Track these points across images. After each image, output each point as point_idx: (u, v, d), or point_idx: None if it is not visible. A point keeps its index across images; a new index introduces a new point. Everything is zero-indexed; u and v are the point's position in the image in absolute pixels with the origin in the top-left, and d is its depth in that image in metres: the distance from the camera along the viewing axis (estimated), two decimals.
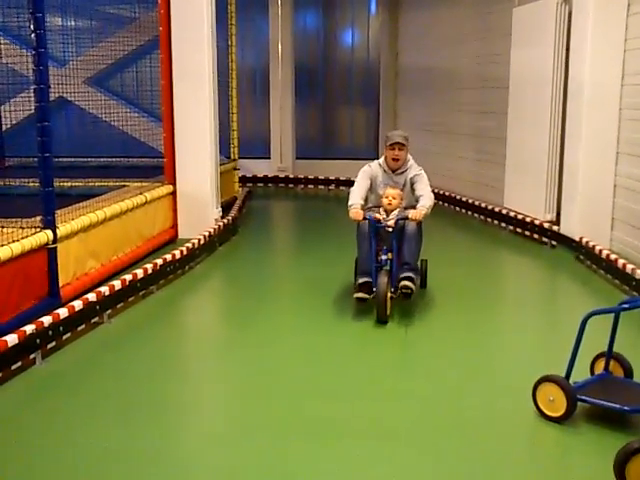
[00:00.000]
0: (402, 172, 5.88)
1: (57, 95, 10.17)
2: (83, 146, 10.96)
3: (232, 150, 10.96)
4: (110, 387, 4.41)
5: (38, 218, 5.55)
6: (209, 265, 7.52)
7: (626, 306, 3.75)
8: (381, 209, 5.81)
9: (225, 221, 8.56)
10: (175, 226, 8.41)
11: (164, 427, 3.88)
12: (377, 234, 5.63)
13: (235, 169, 11.05)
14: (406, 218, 5.55)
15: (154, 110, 10.41)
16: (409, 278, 5.59)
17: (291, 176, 13.61)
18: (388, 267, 5.62)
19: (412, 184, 5.81)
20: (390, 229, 5.61)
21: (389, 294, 5.45)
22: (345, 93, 14.22)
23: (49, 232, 5.47)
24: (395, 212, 5.73)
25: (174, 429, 3.90)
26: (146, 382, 4.52)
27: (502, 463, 3.48)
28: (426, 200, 5.64)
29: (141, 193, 7.52)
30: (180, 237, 8.30)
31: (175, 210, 8.39)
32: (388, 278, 5.44)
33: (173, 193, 8.32)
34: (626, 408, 3.69)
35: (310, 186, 13.41)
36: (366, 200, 5.92)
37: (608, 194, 7.36)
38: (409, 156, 5.94)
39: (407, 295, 5.63)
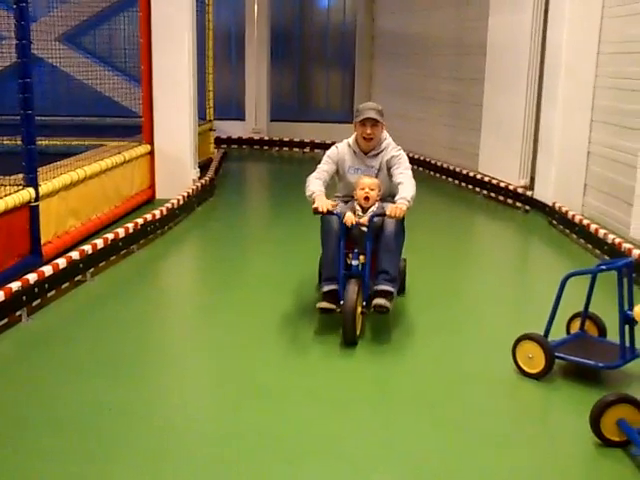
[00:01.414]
0: (376, 154, 4.78)
1: None
2: (54, 105, 10.82)
3: (208, 111, 10.91)
4: (95, 343, 4.47)
5: (20, 176, 5.53)
6: (188, 225, 7.55)
7: (604, 267, 3.89)
8: (356, 203, 4.73)
9: (203, 182, 8.57)
10: (153, 186, 8.40)
11: (149, 381, 3.99)
12: (347, 232, 4.57)
13: (211, 130, 11.02)
14: (383, 215, 4.50)
15: (128, 69, 10.30)
16: (385, 294, 4.50)
17: (266, 138, 13.58)
18: (359, 274, 4.49)
19: (389, 168, 4.74)
20: (364, 228, 4.56)
21: (359, 309, 4.41)
22: (321, 55, 14.18)
23: (31, 190, 5.46)
24: (373, 207, 4.67)
25: (158, 383, 4.00)
26: (129, 339, 4.59)
27: (483, 417, 3.62)
28: (407, 190, 4.52)
29: (120, 152, 7.50)
30: (158, 197, 8.30)
31: (153, 170, 8.37)
32: (359, 289, 4.36)
33: (151, 153, 8.30)
34: (600, 364, 3.85)
35: (285, 148, 13.41)
36: (329, 188, 4.89)
37: (582, 161, 7.50)
38: (385, 133, 4.84)
39: (382, 313, 4.52)
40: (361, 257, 4.50)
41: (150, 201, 8.23)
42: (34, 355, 4.31)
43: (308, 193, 4.61)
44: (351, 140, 4.87)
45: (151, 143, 8.28)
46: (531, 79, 8.32)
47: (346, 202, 4.87)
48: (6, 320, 4.55)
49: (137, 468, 3.10)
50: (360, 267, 4.49)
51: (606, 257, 6.15)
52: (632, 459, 3.18)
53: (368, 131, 4.68)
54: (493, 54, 9.15)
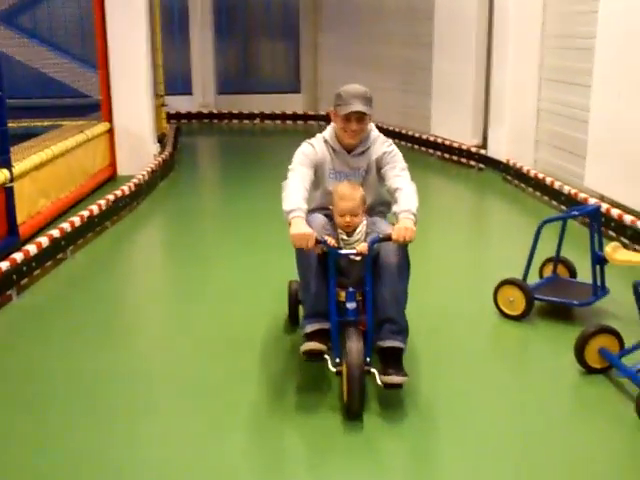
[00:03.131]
0: (363, 152, 3.65)
1: None
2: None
3: (158, 87, 10.88)
4: (83, 317, 4.58)
5: None
6: (154, 200, 7.63)
7: (575, 213, 4.19)
8: (337, 219, 3.50)
9: (164, 157, 8.64)
10: (113, 164, 8.43)
11: (133, 350, 4.11)
12: (334, 264, 3.38)
13: (162, 105, 11.01)
14: (386, 239, 3.31)
15: (74, 49, 10.20)
16: (394, 354, 3.39)
17: (215, 111, 13.61)
18: (358, 321, 3.40)
19: (379, 168, 3.65)
20: (358, 257, 3.41)
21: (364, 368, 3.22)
22: (265, 27, 14.22)
23: (5, 171, 5.48)
24: (361, 227, 3.49)
25: (139, 348, 4.14)
26: (112, 310, 4.76)
27: (468, 357, 3.89)
28: (410, 199, 3.43)
29: (82, 131, 7.52)
30: (120, 174, 8.35)
31: (113, 148, 8.40)
32: (362, 342, 3.25)
33: (110, 130, 8.32)
34: (575, 302, 4.17)
35: (235, 121, 13.48)
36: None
37: (532, 118, 7.84)
38: (371, 125, 3.71)
39: (396, 387, 3.35)
40: (357, 294, 3.40)
41: (112, 178, 8.27)
42: (27, 330, 4.40)
43: (285, 207, 3.35)
44: (328, 135, 3.68)
45: (110, 121, 8.29)
46: (480, 41, 8.60)
47: (325, 216, 3.63)
48: None
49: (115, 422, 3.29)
50: (357, 312, 3.40)
51: (563, 208, 6.49)
52: (613, 382, 3.50)
53: (354, 127, 3.53)
54: (441, 18, 9.38)
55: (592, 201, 5.96)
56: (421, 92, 10.19)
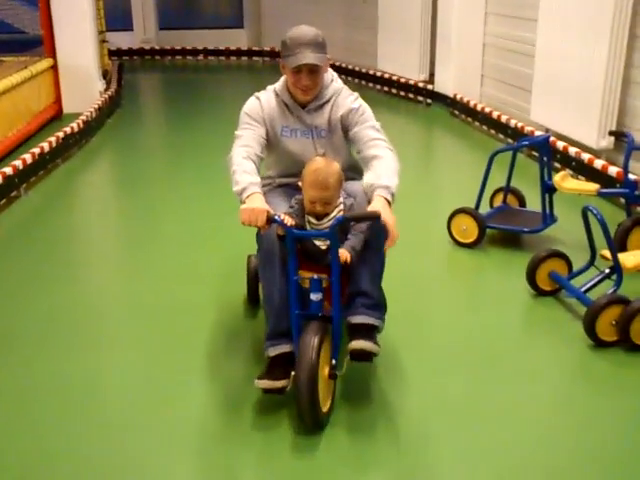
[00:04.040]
0: (320, 105, 3.10)
1: None
2: None
3: (99, 22, 10.60)
4: (39, 254, 4.60)
5: None
6: (103, 137, 7.57)
7: (526, 142, 4.35)
8: (305, 202, 2.88)
9: (110, 94, 8.50)
10: (59, 101, 8.26)
11: (88, 285, 4.17)
12: (298, 247, 2.86)
13: (104, 42, 10.74)
14: (357, 219, 2.81)
15: None
16: (367, 330, 2.86)
17: (157, 47, 13.34)
18: (322, 314, 2.80)
19: (346, 129, 3.10)
20: (323, 245, 2.92)
21: (325, 371, 2.74)
22: None
23: None
24: (335, 212, 2.89)
25: (95, 286, 4.17)
26: (70, 248, 4.80)
27: (423, 283, 4.07)
28: (387, 171, 2.91)
29: (26, 67, 7.34)
30: (65, 112, 8.20)
31: (57, 85, 8.22)
32: (322, 339, 2.68)
33: (54, 67, 8.13)
34: (526, 229, 4.37)
35: (178, 57, 13.27)
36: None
37: (478, 52, 7.94)
38: (331, 73, 3.18)
39: (365, 361, 2.88)
40: (324, 282, 2.80)
41: (58, 116, 8.12)
42: None
43: (235, 188, 2.85)
44: (278, 87, 3.15)
45: (53, 57, 8.09)
46: None
47: (283, 185, 3.19)
48: None
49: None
50: (322, 304, 2.81)
51: (510, 141, 6.69)
52: (561, 303, 3.72)
53: (304, 82, 2.98)
54: None
55: (538, 133, 6.15)
56: (367, 27, 10.18)
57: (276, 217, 2.70)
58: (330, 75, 3.15)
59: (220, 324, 3.58)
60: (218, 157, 5.48)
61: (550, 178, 4.34)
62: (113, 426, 2.80)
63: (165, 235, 4.89)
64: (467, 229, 4.40)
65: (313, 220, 2.88)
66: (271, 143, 3.12)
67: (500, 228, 4.42)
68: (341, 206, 2.89)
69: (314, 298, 2.78)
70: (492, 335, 3.47)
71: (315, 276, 2.78)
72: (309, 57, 2.92)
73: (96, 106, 7.68)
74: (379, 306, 2.94)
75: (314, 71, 2.97)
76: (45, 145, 6.10)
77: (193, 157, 6.77)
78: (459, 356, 3.29)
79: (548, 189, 4.33)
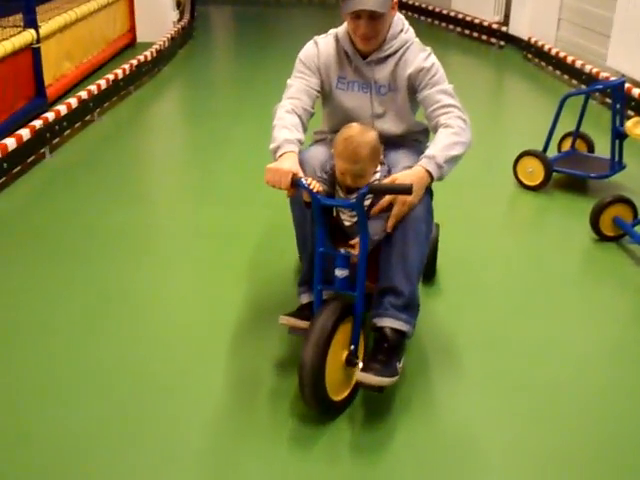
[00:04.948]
0: (384, 58, 2.70)
1: None
2: None
3: None
4: (109, 175, 4.78)
5: (18, 17, 5.56)
6: (175, 67, 7.67)
7: (600, 87, 4.27)
8: (336, 172, 2.58)
9: (182, 24, 8.57)
10: (133, 30, 8.38)
11: (153, 209, 4.33)
12: (321, 217, 2.47)
13: None
14: (385, 191, 2.49)
15: None
16: (389, 351, 2.45)
17: None
18: (346, 293, 2.49)
19: (413, 90, 2.72)
20: (349, 220, 2.69)
21: (343, 356, 2.45)
22: None
23: (32, 31, 5.51)
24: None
25: (157, 211, 4.34)
26: (139, 171, 5.05)
27: (486, 224, 4.08)
28: (448, 140, 2.55)
29: None
30: (139, 41, 8.31)
31: (132, 14, 8.32)
32: (338, 317, 2.36)
33: None
34: (593, 175, 4.32)
35: None
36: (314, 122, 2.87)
37: None
38: (401, 19, 2.75)
39: (374, 390, 2.39)
40: (353, 256, 2.48)
41: (132, 45, 8.24)
42: (57, 185, 4.61)
43: (271, 145, 2.59)
44: (341, 31, 2.78)
45: None
46: None
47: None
48: (33, 157, 4.80)
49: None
50: (347, 281, 2.48)
51: (583, 87, 6.52)
52: (623, 249, 3.70)
53: (363, 30, 2.60)
54: None
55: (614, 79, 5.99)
56: None
57: (302, 180, 2.40)
58: (401, 23, 2.73)
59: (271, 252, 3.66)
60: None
61: (622, 124, 4.25)
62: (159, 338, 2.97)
63: (229, 165, 4.99)
64: (533, 172, 4.37)
65: (341, 193, 2.60)
66: (325, 95, 2.80)
67: (567, 172, 4.38)
68: (378, 174, 2.58)
69: (339, 274, 2.46)
70: (551, 277, 3.48)
71: (342, 250, 2.50)
72: (367, 2, 2.51)
73: (169, 36, 7.76)
74: (410, 307, 2.54)
75: (375, 17, 2.55)
76: (119, 72, 6.23)
77: (260, 93, 6.71)
78: (518, 287, 3.34)
79: (619, 135, 4.25)
